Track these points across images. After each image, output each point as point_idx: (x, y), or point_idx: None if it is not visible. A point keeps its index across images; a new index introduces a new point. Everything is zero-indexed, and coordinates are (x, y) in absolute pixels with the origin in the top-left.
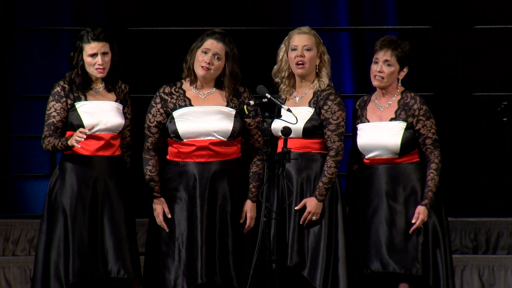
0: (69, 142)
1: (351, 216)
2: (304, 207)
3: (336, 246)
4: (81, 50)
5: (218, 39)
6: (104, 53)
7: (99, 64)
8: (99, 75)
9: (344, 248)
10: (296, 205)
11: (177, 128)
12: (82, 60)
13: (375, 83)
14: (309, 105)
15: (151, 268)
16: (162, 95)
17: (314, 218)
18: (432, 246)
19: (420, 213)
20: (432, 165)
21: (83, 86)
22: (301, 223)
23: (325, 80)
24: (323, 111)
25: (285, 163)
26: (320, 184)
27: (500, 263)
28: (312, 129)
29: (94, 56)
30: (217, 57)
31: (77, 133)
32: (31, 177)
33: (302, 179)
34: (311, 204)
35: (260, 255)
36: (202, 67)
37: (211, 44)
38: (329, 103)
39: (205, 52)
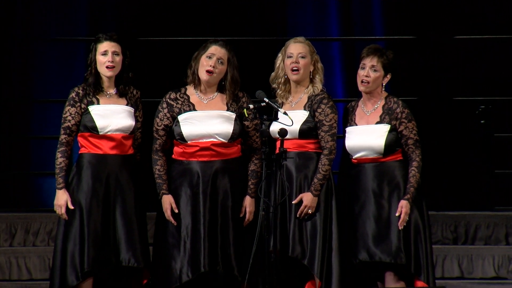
0: (55, 201)
1: (344, 210)
2: (301, 202)
3: (330, 237)
4: (95, 51)
5: (221, 45)
6: (114, 52)
7: (108, 61)
8: (108, 73)
9: (337, 240)
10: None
11: (182, 131)
12: (95, 60)
13: (361, 88)
14: (304, 109)
15: (159, 258)
16: (168, 100)
17: (309, 211)
18: (414, 237)
19: (403, 207)
20: (413, 163)
21: (95, 86)
22: (297, 216)
23: (318, 85)
24: (317, 114)
25: (282, 162)
26: (315, 180)
27: (478, 253)
28: (307, 130)
29: (105, 54)
30: (221, 62)
31: (60, 212)
32: (50, 174)
33: (301, 176)
34: (307, 198)
35: (259, 246)
36: (207, 71)
37: (215, 50)
38: (323, 106)
39: (210, 57)
